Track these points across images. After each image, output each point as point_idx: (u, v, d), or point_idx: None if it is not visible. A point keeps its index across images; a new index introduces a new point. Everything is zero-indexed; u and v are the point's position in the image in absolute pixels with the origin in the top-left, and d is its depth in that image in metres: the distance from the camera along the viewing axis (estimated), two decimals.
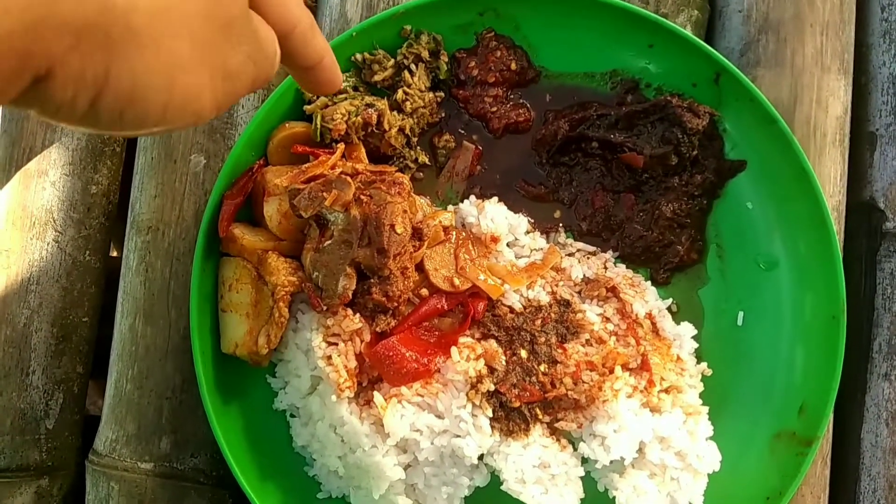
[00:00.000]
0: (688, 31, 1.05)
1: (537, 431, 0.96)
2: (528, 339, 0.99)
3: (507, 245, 1.05)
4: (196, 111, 0.54)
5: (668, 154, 1.03)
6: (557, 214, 1.09)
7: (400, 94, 1.05)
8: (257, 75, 0.59)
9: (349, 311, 0.95)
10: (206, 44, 0.53)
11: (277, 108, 1.02)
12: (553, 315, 1.01)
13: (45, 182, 1.11)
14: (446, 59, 1.07)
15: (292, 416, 1.04)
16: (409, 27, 1.05)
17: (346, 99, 1.04)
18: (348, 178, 0.93)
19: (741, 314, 1.07)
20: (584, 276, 1.05)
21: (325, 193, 0.93)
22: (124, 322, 1.09)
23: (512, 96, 1.09)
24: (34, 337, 1.11)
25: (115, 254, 1.28)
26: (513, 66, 1.07)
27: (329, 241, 0.94)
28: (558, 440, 0.98)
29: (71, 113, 0.48)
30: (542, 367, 0.97)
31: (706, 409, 1.01)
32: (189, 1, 0.51)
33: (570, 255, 1.07)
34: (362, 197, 0.93)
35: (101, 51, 0.46)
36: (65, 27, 0.44)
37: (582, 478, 0.98)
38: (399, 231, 0.92)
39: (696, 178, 1.06)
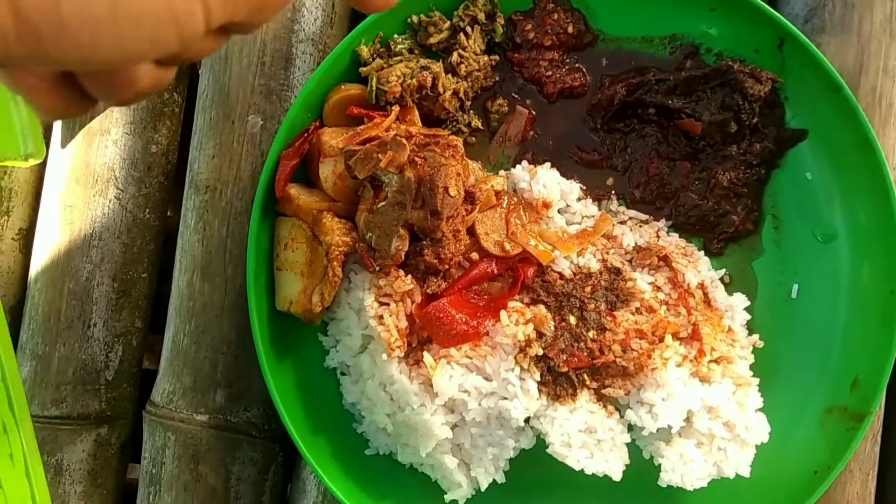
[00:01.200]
0: None
1: (584, 397, 0.97)
2: (578, 305, 0.99)
3: (559, 211, 1.05)
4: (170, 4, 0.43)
5: (727, 121, 1.01)
6: (610, 181, 1.08)
7: (455, 57, 1.05)
8: None
9: (401, 273, 0.96)
10: None
11: (333, 70, 1.02)
12: (603, 282, 1.01)
13: (107, 140, 1.14)
14: (502, 22, 1.06)
15: (342, 373, 1.06)
16: None
17: (401, 61, 1.04)
18: (403, 140, 0.94)
19: (796, 286, 1.05)
20: (636, 244, 1.04)
21: (380, 155, 0.93)
22: (182, 278, 1.12)
23: (567, 60, 1.08)
24: (96, 291, 1.14)
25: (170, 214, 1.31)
26: (570, 29, 1.06)
27: (383, 203, 0.95)
28: (605, 406, 0.98)
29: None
30: (591, 334, 0.97)
31: (757, 380, 1.00)
32: None
33: (622, 222, 1.06)
34: (417, 159, 0.94)
35: None
36: None
37: (627, 445, 0.98)
38: (453, 193, 0.93)
39: (754, 147, 1.04)
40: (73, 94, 0.50)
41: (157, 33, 0.44)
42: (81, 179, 1.14)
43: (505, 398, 0.95)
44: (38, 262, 1.14)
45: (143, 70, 0.49)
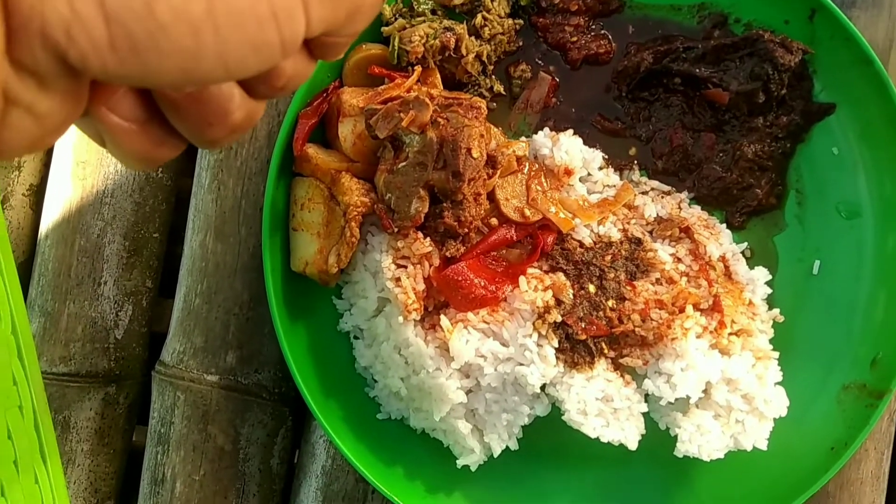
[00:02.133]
0: None
1: (602, 365, 0.96)
2: (597, 274, 0.98)
3: (580, 180, 1.03)
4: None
5: (756, 91, 0.99)
6: (633, 151, 1.07)
7: (479, 19, 1.03)
8: None
9: (420, 235, 0.95)
10: None
11: None
12: (623, 252, 0.99)
13: None
14: None
15: (356, 337, 1.05)
16: None
17: (424, 21, 1.02)
18: (426, 100, 0.92)
19: (817, 263, 1.04)
20: (658, 215, 1.03)
21: (402, 114, 0.92)
22: (195, 238, 1.11)
23: (593, 26, 1.06)
24: (107, 248, 1.13)
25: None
26: None
27: (403, 163, 0.93)
28: (622, 375, 0.97)
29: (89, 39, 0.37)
30: (610, 303, 0.96)
31: (776, 354, 0.99)
32: None
33: (644, 193, 1.05)
34: (439, 119, 0.92)
35: None
36: None
37: (644, 415, 0.97)
38: (476, 155, 0.91)
39: (781, 120, 1.02)
40: (161, 134, 0.48)
41: (258, 36, 0.42)
42: None
43: (521, 364, 0.94)
44: (48, 218, 1.13)
45: (235, 101, 0.48)
